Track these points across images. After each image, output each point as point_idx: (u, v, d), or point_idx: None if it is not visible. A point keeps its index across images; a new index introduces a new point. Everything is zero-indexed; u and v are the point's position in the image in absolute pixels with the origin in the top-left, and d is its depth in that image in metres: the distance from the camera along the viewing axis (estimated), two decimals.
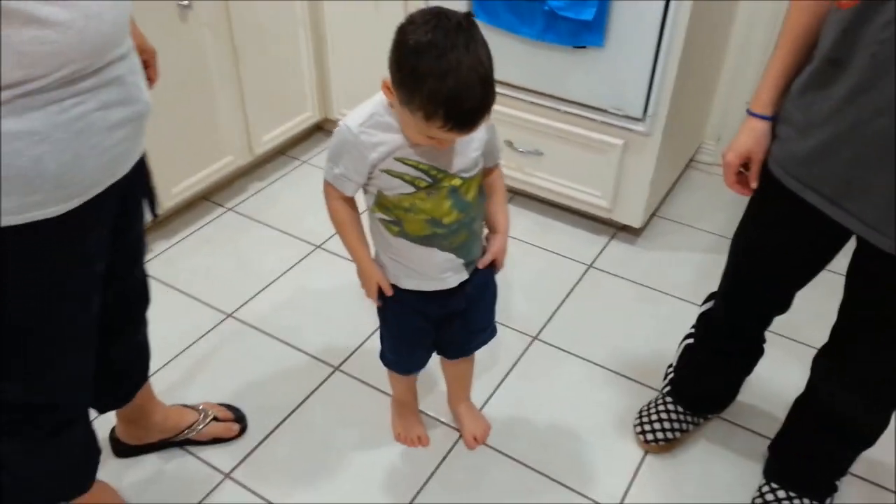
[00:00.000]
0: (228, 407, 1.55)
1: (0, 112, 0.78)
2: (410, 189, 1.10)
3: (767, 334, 1.40)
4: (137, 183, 1.10)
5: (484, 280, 1.30)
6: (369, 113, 1.08)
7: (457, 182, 1.12)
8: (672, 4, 1.68)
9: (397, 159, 1.09)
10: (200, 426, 1.48)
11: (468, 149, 1.12)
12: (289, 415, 1.58)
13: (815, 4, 1.06)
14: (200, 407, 1.51)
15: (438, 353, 1.42)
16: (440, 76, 0.93)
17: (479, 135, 1.11)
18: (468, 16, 0.97)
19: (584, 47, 1.83)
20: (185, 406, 1.51)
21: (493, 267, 1.30)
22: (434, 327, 1.33)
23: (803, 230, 1.14)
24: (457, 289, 1.24)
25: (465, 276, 1.24)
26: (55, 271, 0.94)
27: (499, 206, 1.26)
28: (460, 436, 1.55)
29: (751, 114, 1.14)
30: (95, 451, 1.24)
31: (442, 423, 1.58)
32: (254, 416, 1.57)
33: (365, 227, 1.23)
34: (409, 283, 1.23)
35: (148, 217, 1.21)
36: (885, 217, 0.98)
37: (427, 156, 1.09)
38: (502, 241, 1.27)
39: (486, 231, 1.30)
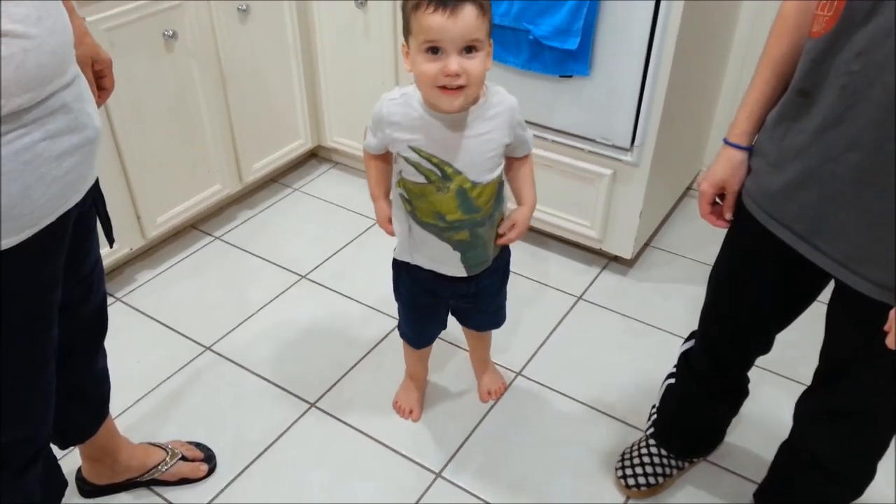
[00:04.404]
0: (198, 445, 1.52)
1: None
2: (423, 179, 1.19)
3: (761, 371, 1.34)
4: (92, 210, 1.09)
5: (495, 266, 1.36)
6: (402, 92, 1.18)
7: (466, 184, 1.18)
8: (657, 34, 1.64)
9: (412, 148, 1.17)
10: (167, 466, 1.45)
11: (485, 147, 1.18)
12: (260, 454, 1.54)
13: (794, 32, 1.02)
14: (168, 446, 1.48)
15: (454, 316, 1.52)
16: None
17: (497, 135, 1.18)
18: None
19: (570, 76, 1.80)
20: (153, 444, 1.48)
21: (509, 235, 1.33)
22: (446, 303, 1.45)
23: (778, 268, 1.08)
24: (469, 276, 1.32)
25: (461, 272, 1.31)
26: (12, 304, 0.92)
27: (526, 180, 1.31)
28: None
29: (727, 143, 1.10)
30: (60, 490, 1.20)
31: (415, 462, 1.53)
32: (225, 454, 1.53)
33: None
34: (417, 259, 1.32)
35: (106, 245, 1.19)
36: (856, 255, 0.93)
37: (440, 149, 1.16)
38: (527, 211, 1.31)
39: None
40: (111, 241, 1.19)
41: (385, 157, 1.28)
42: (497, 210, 1.28)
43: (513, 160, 1.28)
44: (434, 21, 1.03)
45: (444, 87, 1.08)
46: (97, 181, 1.06)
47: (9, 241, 0.85)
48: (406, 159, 1.19)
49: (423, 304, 1.41)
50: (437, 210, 1.21)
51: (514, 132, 1.21)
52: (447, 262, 1.29)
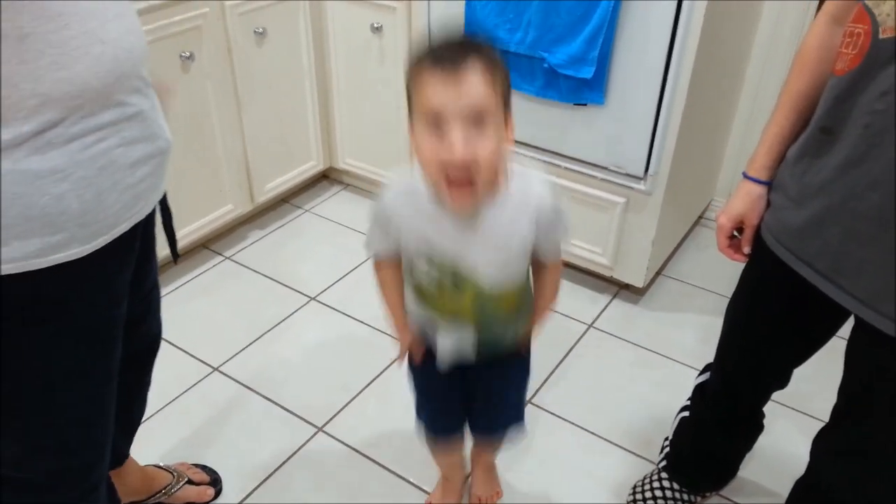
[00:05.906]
0: (204, 468, 1.50)
1: (23, 152, 0.76)
2: (434, 287, 1.07)
3: (776, 405, 1.32)
4: (153, 226, 1.06)
5: (511, 361, 1.22)
6: (407, 183, 1.03)
7: (482, 292, 1.05)
8: (673, 64, 1.64)
9: (421, 254, 1.04)
10: (174, 489, 1.43)
11: (501, 243, 1.01)
12: (266, 478, 1.52)
13: (815, 68, 1.02)
14: (174, 469, 1.46)
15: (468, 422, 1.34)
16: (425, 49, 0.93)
17: (519, 229, 1.01)
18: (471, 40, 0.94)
19: (584, 105, 1.80)
20: (159, 467, 1.46)
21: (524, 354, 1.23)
22: (462, 390, 1.26)
23: (797, 303, 1.07)
24: (477, 361, 1.17)
25: (471, 357, 1.16)
26: (83, 315, 0.90)
27: (546, 287, 1.17)
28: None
29: (746, 177, 1.10)
30: None
31: (422, 490, 1.51)
32: (231, 478, 1.51)
33: None
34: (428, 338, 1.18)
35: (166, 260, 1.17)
36: (878, 294, 0.92)
37: (450, 250, 1.01)
38: (537, 318, 1.19)
39: None
40: (176, 256, 1.18)
41: (398, 263, 1.13)
42: (522, 320, 1.15)
43: (537, 263, 1.11)
44: (433, 83, 0.87)
45: (449, 181, 0.91)
46: (165, 195, 1.05)
47: (80, 250, 0.84)
48: (416, 265, 1.07)
49: (436, 381, 1.24)
50: (451, 312, 1.09)
51: (540, 230, 1.03)
52: (454, 352, 1.16)
